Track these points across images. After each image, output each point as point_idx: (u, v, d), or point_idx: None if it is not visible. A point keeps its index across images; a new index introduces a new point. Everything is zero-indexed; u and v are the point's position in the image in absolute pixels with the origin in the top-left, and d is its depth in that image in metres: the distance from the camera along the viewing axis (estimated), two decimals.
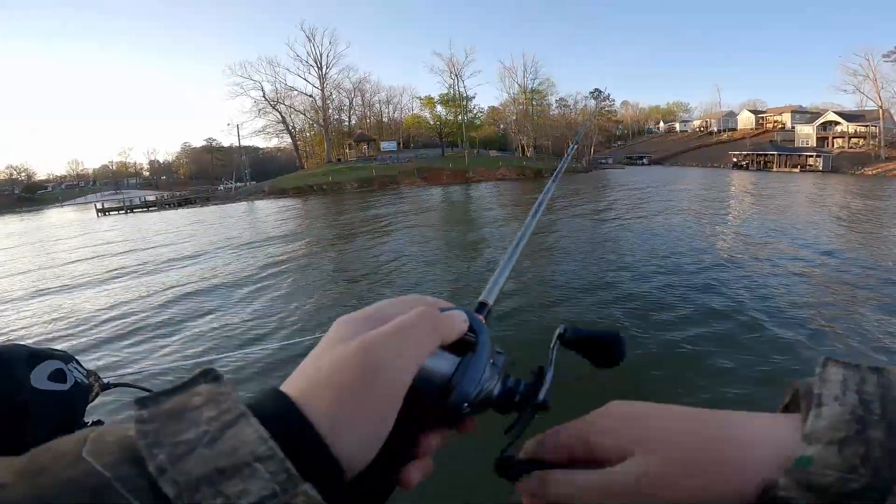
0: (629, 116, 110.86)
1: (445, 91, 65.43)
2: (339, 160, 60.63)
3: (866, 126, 54.96)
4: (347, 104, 69.85)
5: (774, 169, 55.03)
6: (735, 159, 61.81)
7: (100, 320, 9.49)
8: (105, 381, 1.44)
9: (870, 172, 45.58)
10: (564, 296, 9.25)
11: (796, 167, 53.41)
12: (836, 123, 58.48)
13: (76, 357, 1.07)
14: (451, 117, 66.01)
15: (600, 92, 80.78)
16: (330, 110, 65.23)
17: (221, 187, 58.50)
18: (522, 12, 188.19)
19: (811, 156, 54.11)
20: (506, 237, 16.42)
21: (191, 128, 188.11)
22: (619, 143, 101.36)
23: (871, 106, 57.36)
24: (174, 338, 8.26)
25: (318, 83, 62.86)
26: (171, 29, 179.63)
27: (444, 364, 0.33)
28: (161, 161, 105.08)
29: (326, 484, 0.25)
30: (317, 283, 11.65)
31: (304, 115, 66.04)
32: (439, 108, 67.37)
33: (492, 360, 0.35)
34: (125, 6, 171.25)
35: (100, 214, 42.80)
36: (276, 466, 0.23)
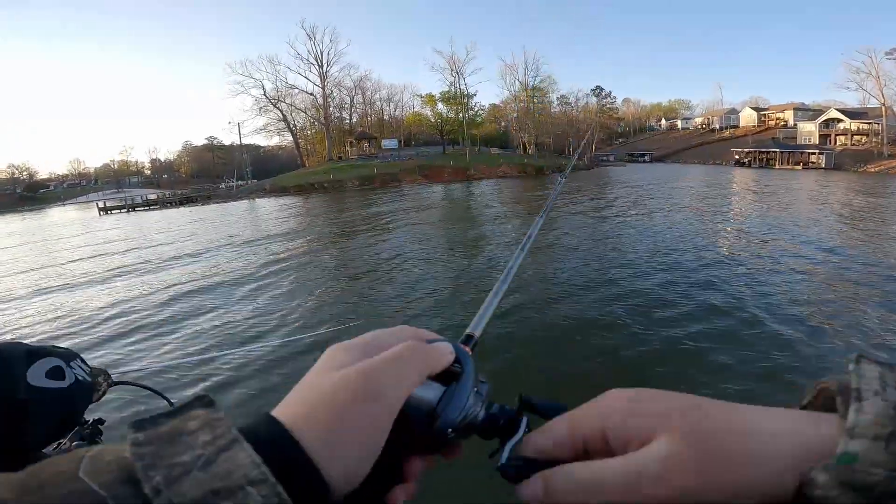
0: (631, 114, 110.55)
1: (446, 89, 65.44)
2: (340, 158, 60.63)
3: (869, 123, 54.68)
4: (348, 102, 69.88)
5: (777, 166, 54.83)
6: (737, 156, 61.61)
7: (103, 318, 9.53)
8: (114, 378, 1.45)
9: (872, 170, 45.40)
10: (566, 293, 9.24)
11: (799, 164, 53.22)
12: (839, 121, 58.21)
13: (80, 355, 1.08)
14: (452, 115, 65.92)
15: (602, 89, 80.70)
16: (331, 108, 65.19)
17: (223, 185, 58.57)
18: (522, 12, 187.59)
19: (814, 153, 53.89)
20: (507, 234, 16.42)
21: (192, 127, 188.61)
22: (620, 140, 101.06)
23: (873, 103, 57.17)
24: (177, 335, 8.29)
25: (318, 81, 62.84)
26: (171, 29, 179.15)
27: (431, 393, 0.34)
28: (162, 160, 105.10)
29: None
30: (318, 280, 11.67)
31: (305, 113, 66.01)
32: (440, 105, 67.38)
33: (476, 389, 0.37)
34: (125, 6, 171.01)
35: (102, 213, 42.93)
36: (268, 490, 0.24)
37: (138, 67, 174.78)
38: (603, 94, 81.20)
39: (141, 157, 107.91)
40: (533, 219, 0.65)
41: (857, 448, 0.25)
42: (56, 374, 0.90)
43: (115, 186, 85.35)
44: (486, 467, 0.35)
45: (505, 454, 0.34)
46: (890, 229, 15.09)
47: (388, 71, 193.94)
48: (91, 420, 1.45)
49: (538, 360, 6.35)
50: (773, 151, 57.25)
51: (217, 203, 43.85)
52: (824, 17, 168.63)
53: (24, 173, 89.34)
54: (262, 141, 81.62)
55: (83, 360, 1.05)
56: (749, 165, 58.15)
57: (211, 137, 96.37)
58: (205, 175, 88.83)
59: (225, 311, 9.41)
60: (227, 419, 0.27)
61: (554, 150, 72.11)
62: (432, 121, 69.38)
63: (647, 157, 78.13)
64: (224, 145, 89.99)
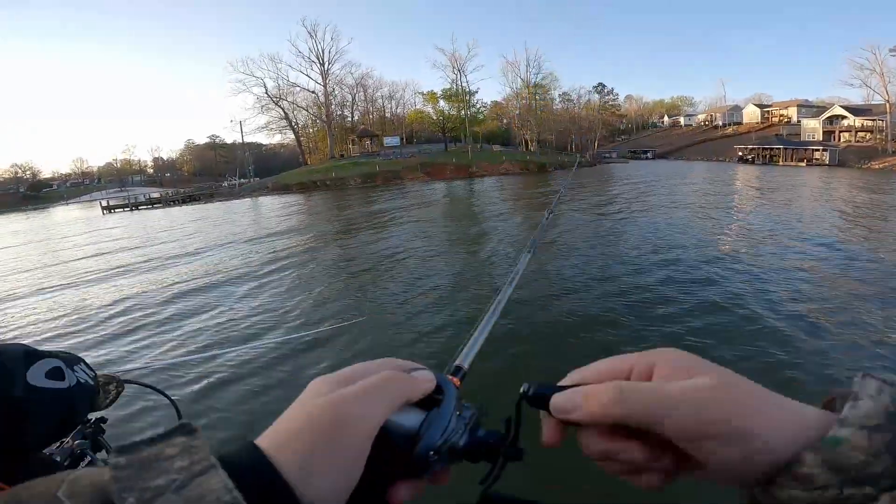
0: (633, 111, 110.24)
1: (448, 86, 65.33)
2: (342, 156, 60.66)
3: (873, 120, 54.35)
4: (350, 100, 69.92)
5: (780, 163, 54.55)
6: (740, 153, 61.32)
7: (107, 315, 9.58)
8: (123, 381, 1.47)
9: (876, 166, 45.14)
10: (567, 289, 9.24)
11: (802, 161, 52.93)
12: (843, 117, 57.87)
13: (84, 360, 1.09)
14: (454, 112, 65.78)
15: (604, 86, 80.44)
16: (332, 106, 65.24)
17: (225, 184, 58.62)
18: (522, 12, 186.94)
19: (817, 150, 53.58)
20: (508, 231, 16.41)
21: (193, 127, 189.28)
22: (623, 137, 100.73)
23: (878, 100, 56.87)
24: (180, 332, 8.33)
25: (320, 79, 62.93)
26: (171, 29, 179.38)
27: (412, 418, 0.36)
28: (165, 158, 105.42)
29: None
30: (320, 277, 11.70)
31: (307, 111, 66.09)
32: (442, 103, 67.24)
33: (458, 413, 0.38)
34: (125, 6, 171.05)
35: (105, 212, 43.15)
36: None
37: (138, 67, 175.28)
38: (605, 90, 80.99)
39: (143, 155, 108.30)
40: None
41: (844, 434, 0.28)
42: (56, 374, 0.92)
43: (118, 185, 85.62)
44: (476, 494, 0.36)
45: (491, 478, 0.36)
46: (893, 226, 15.02)
47: (389, 69, 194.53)
48: (93, 419, 1.46)
49: (540, 358, 6.35)
50: (777, 148, 56.97)
51: (220, 201, 43.94)
52: (826, 15, 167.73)
53: (28, 172, 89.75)
54: (264, 139, 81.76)
55: (87, 365, 1.06)
56: (752, 162, 57.88)
57: (213, 136, 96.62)
58: (207, 173, 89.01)
59: (228, 309, 9.44)
60: (206, 446, 0.28)
61: (556, 147, 71.97)
62: (434, 118, 69.31)
63: (649, 154, 77.87)
64: (226, 144, 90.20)
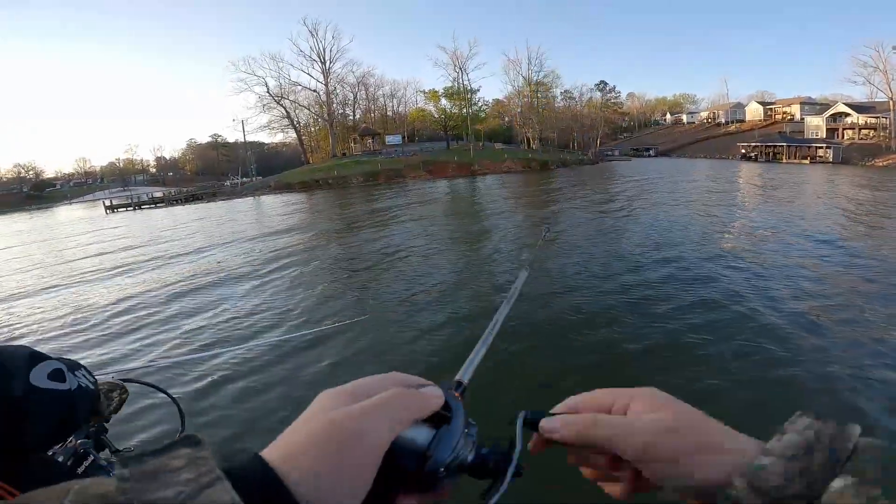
0: (635, 108, 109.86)
1: (450, 84, 65.20)
2: (344, 154, 60.65)
3: (877, 117, 54.09)
4: (352, 98, 69.79)
5: (784, 160, 54.33)
6: (743, 150, 61.06)
7: (110, 314, 9.64)
8: (119, 376, 1.48)
9: (880, 164, 44.91)
10: (571, 286, 9.24)
11: (806, 158, 52.70)
12: (846, 115, 57.55)
13: (85, 366, 1.11)
14: (455, 110, 65.68)
15: (606, 84, 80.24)
16: (334, 105, 65.17)
17: (228, 183, 58.66)
18: (523, 12, 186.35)
19: (821, 147, 53.31)
20: (510, 228, 16.41)
21: (194, 127, 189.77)
22: (625, 134, 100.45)
23: (881, 97, 56.58)
24: (183, 331, 8.37)
25: (321, 78, 62.81)
26: (171, 29, 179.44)
27: (422, 435, 0.37)
28: (167, 158, 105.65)
29: None
30: (323, 276, 11.73)
31: (309, 109, 66.06)
32: (444, 101, 67.09)
33: (466, 431, 0.39)
34: (125, 6, 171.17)
35: (108, 211, 43.27)
36: None
37: (139, 67, 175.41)
38: (607, 88, 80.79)
39: (146, 155, 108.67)
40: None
41: (765, 462, 0.34)
42: (57, 376, 0.93)
43: (121, 185, 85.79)
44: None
45: (498, 495, 0.38)
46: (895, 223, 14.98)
47: (390, 68, 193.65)
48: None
49: (542, 355, 6.36)
50: (780, 145, 56.73)
51: (222, 200, 44.03)
52: (825, 15, 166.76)
53: (31, 172, 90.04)
54: (266, 138, 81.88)
55: (88, 371, 1.09)
56: (756, 160, 57.63)
57: (215, 135, 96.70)
58: (209, 172, 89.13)
59: (230, 307, 9.48)
60: (212, 459, 0.28)
61: (558, 145, 71.86)
62: (436, 116, 69.22)
63: (652, 152, 77.66)
64: (228, 143, 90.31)
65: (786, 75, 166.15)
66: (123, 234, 24.43)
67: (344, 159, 56.52)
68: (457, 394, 0.44)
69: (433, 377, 0.41)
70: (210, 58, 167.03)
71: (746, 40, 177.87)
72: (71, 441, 1.35)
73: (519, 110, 70.62)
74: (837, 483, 0.31)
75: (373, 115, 74.51)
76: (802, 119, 65.90)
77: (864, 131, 55.25)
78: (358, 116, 71.34)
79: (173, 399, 1.87)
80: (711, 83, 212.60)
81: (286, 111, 63.93)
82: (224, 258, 14.88)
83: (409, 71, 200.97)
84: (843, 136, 56.92)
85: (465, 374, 0.48)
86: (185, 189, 54.50)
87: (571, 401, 0.45)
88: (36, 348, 0.97)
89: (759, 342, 6.44)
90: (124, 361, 7.07)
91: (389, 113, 78.87)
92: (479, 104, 69.08)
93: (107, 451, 1.53)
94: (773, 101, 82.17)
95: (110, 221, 33.92)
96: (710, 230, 14.66)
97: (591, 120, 75.71)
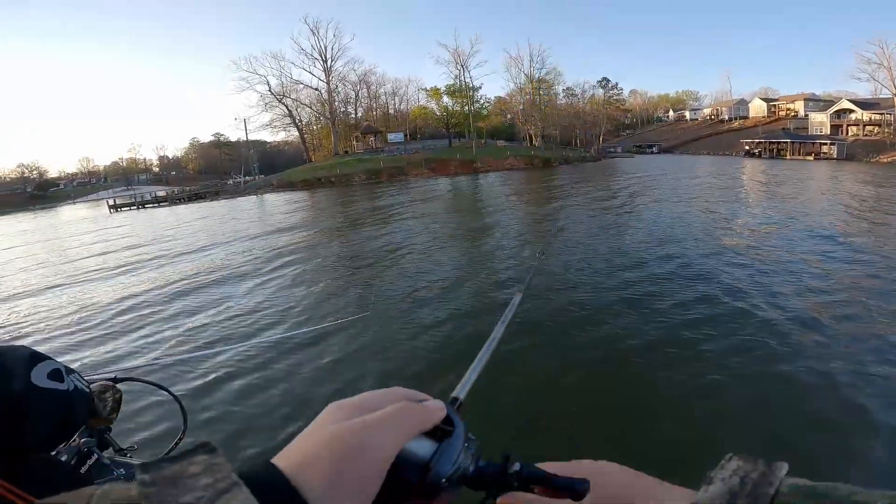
0: (638, 105, 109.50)
1: (451, 82, 65.10)
2: (346, 152, 60.71)
3: (881, 114, 53.82)
4: (353, 96, 69.64)
5: (788, 157, 54.12)
6: (747, 147, 60.82)
7: (113, 313, 9.69)
8: (121, 375, 1.50)
9: (885, 160, 44.71)
10: (571, 283, 9.25)
11: (810, 155, 52.47)
12: (850, 111, 57.24)
13: (77, 371, 1.14)
14: (457, 108, 65.66)
15: (608, 81, 79.93)
16: (336, 103, 65.11)
17: (230, 182, 58.73)
18: (523, 11, 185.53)
19: (825, 143, 53.07)
20: (512, 225, 16.40)
21: (197, 126, 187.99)
22: (628, 131, 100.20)
23: (885, 94, 56.30)
24: (186, 329, 8.41)
25: (323, 76, 62.79)
26: (171, 29, 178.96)
27: (425, 448, 0.39)
28: (170, 157, 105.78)
29: None
30: (325, 273, 11.76)
31: (311, 108, 65.99)
32: (446, 98, 67.11)
33: (466, 444, 0.41)
34: (125, 6, 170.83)
35: (112, 211, 43.43)
36: None
37: (139, 67, 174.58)
38: (609, 85, 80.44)
39: (149, 154, 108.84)
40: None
41: None
42: (56, 376, 0.95)
43: (125, 184, 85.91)
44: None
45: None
46: None
47: (392, 66, 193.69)
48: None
49: (543, 353, 6.37)
50: (784, 142, 56.50)
51: (225, 199, 44.14)
52: (825, 15, 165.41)
53: (34, 172, 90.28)
54: (268, 137, 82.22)
55: (80, 376, 1.11)
56: (759, 156, 57.44)
57: (217, 134, 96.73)
58: (212, 171, 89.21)
59: (233, 305, 9.52)
60: (228, 465, 0.29)
61: (561, 142, 71.68)
62: (438, 114, 69.20)
63: (655, 149, 77.44)
64: (230, 141, 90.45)
65: (787, 74, 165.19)
66: (127, 233, 24.53)
67: (346, 157, 56.56)
68: (454, 408, 0.46)
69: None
70: (210, 58, 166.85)
71: (747, 40, 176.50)
72: (74, 440, 1.37)
73: (521, 107, 70.45)
74: None
75: (375, 112, 74.44)
76: (806, 115, 65.59)
77: (868, 128, 54.98)
78: (360, 114, 71.29)
79: (175, 397, 1.88)
80: (714, 81, 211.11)
81: (288, 109, 63.95)
82: (227, 256, 14.93)
83: (410, 69, 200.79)
84: (847, 133, 56.66)
85: (461, 391, 0.50)
86: (188, 188, 54.63)
87: (552, 465, 0.45)
88: (37, 348, 0.97)
89: (761, 338, 6.44)
90: (127, 359, 7.12)
91: (391, 111, 78.81)
92: (482, 101, 69.08)
93: (110, 449, 1.55)
94: (776, 97, 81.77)
95: (114, 221, 34.06)
96: (712, 227, 14.63)
97: (594, 117, 75.47)
